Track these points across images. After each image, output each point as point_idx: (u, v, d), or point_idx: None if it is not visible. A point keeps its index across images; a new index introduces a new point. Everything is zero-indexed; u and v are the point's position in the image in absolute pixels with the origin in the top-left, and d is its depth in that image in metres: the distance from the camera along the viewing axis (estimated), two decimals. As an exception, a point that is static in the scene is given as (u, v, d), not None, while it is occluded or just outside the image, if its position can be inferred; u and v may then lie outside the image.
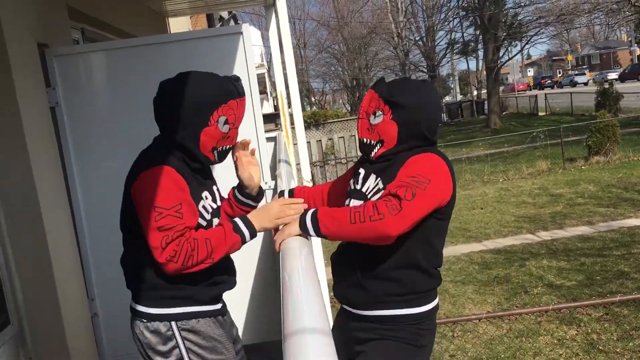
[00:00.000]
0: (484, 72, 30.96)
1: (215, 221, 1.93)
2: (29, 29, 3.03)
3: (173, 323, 1.86)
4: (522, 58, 57.03)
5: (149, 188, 1.75)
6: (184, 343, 1.86)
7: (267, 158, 3.49)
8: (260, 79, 17.82)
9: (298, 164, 4.64)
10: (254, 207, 2.11)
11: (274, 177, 3.52)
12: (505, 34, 29.33)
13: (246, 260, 3.48)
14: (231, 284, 2.01)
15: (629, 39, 56.29)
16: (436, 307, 1.98)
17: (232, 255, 1.93)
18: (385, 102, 1.90)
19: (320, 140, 19.51)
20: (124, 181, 1.90)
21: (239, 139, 2.01)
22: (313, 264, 1.56)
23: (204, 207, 1.87)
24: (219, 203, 1.97)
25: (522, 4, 30.00)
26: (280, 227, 1.84)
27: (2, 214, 2.83)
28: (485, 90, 31.13)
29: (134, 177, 1.81)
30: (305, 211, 1.80)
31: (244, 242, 1.84)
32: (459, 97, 44.17)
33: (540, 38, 32.82)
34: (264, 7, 5.69)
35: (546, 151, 15.93)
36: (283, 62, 4.55)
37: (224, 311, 2.02)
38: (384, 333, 1.91)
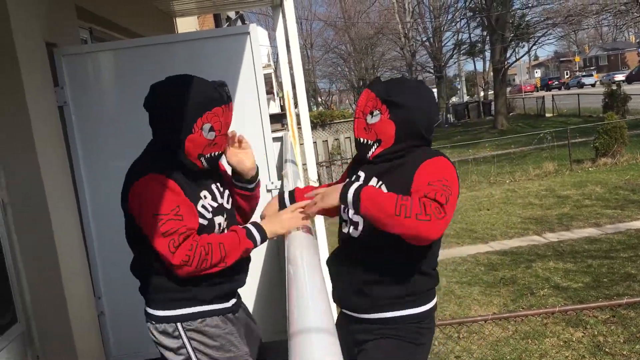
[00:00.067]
0: (491, 73, 30.87)
1: (218, 219, 1.91)
2: (37, 28, 3.05)
3: (179, 324, 1.88)
4: (529, 59, 56.85)
5: (143, 199, 1.77)
6: (190, 343, 1.88)
7: (273, 158, 3.49)
8: (267, 79, 17.84)
9: (304, 164, 4.64)
10: (251, 191, 2.11)
11: (280, 177, 3.52)
12: (512, 34, 29.21)
13: (251, 261, 3.48)
14: (239, 281, 2.00)
15: (637, 41, 55.98)
16: (435, 306, 2.00)
17: None
18: (382, 101, 1.90)
19: (326, 141, 19.51)
20: (131, 181, 1.91)
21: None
22: (318, 264, 1.56)
23: (203, 206, 1.87)
24: (220, 201, 1.95)
25: (530, 5, 29.90)
26: (318, 200, 1.85)
27: (10, 212, 2.85)
28: (492, 91, 31.03)
29: (127, 190, 1.83)
30: (350, 182, 1.78)
31: (255, 247, 1.88)
32: (466, 98, 44.06)
33: (548, 39, 32.72)
34: (271, 7, 5.70)
35: (553, 152, 15.86)
36: (290, 62, 4.56)
37: (235, 308, 2.00)
38: (385, 332, 1.93)
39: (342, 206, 2.01)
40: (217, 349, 1.90)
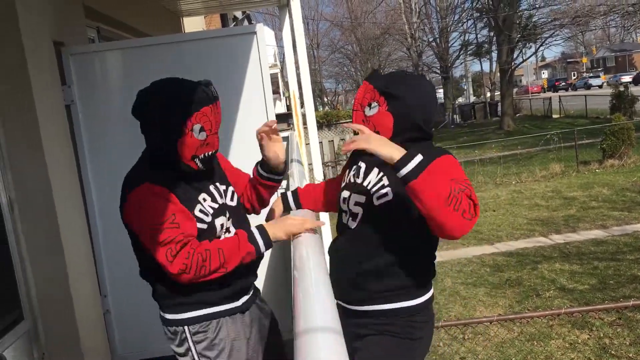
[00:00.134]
0: (498, 74, 30.78)
1: (220, 220, 1.90)
2: (45, 27, 3.06)
3: (185, 327, 1.89)
4: (536, 60, 56.67)
5: (139, 209, 1.78)
6: (195, 347, 1.89)
7: (279, 158, 3.49)
8: (273, 79, 17.86)
9: (310, 164, 4.64)
10: (278, 182, 2.12)
11: (286, 176, 3.52)
12: (519, 35, 29.10)
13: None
14: (247, 279, 1.99)
15: (645, 42, 55.65)
16: (430, 300, 1.97)
17: None
18: (380, 93, 1.88)
19: (332, 141, 19.52)
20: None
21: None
22: (324, 264, 1.56)
23: (201, 210, 1.85)
24: (221, 201, 1.94)
25: (537, 6, 29.79)
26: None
27: (17, 210, 2.87)
28: (499, 92, 30.94)
29: (123, 203, 1.83)
30: (413, 152, 1.66)
31: (258, 252, 1.84)
32: (472, 99, 43.96)
33: (555, 40, 32.59)
34: (277, 7, 5.71)
35: (560, 154, 15.79)
36: (296, 62, 4.56)
37: (245, 307, 1.99)
38: (378, 328, 1.91)
39: (343, 197, 2.01)
40: (220, 352, 1.91)
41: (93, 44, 4.03)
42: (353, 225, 1.95)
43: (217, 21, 11.28)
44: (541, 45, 32.85)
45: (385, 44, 39.46)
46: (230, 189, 2.03)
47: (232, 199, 2.01)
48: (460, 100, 47.29)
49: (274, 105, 3.52)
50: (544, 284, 7.44)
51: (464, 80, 47.77)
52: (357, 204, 1.96)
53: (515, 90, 35.98)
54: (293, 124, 5.16)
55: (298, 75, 4.57)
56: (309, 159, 4.78)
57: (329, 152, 18.72)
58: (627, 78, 40.40)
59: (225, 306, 1.93)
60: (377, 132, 1.88)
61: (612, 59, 62.07)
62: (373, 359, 1.90)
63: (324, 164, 17.20)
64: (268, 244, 1.85)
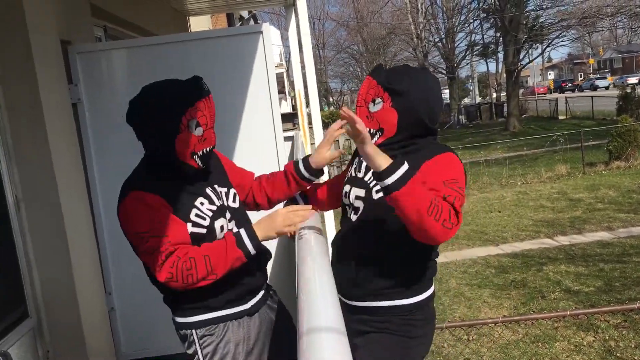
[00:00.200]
0: (504, 75, 30.69)
1: (219, 222, 1.88)
2: (52, 25, 3.07)
3: (193, 331, 1.90)
4: (542, 61, 56.42)
5: (126, 218, 1.79)
6: (201, 350, 1.90)
7: (284, 157, 3.49)
8: (279, 79, 17.87)
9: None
10: (312, 182, 2.12)
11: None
12: (526, 36, 29.01)
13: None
14: (252, 282, 1.97)
15: (653, 43, 55.36)
16: (429, 298, 1.95)
17: None
18: (384, 89, 1.86)
19: (337, 140, 19.49)
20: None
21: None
22: (328, 264, 1.56)
23: (198, 215, 1.84)
24: (219, 203, 1.92)
25: (544, 7, 29.67)
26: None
27: (23, 207, 2.88)
28: (505, 93, 30.85)
29: (117, 211, 1.85)
30: (400, 160, 1.63)
31: (248, 255, 1.80)
32: (478, 100, 43.86)
33: (562, 41, 32.30)
34: (284, 6, 5.71)
35: (566, 155, 15.73)
36: (302, 62, 4.56)
37: (254, 309, 1.98)
38: (376, 325, 1.90)
39: (345, 191, 2.00)
40: (224, 356, 1.91)
41: (99, 43, 4.04)
42: (354, 218, 1.94)
43: (224, 20, 11.30)
44: (548, 46, 32.70)
45: (391, 44, 39.43)
46: (232, 190, 2.02)
47: (234, 201, 2.00)
48: (466, 100, 47.16)
49: (279, 105, 3.52)
50: (549, 285, 7.41)
51: (470, 80, 47.62)
52: (357, 197, 1.95)
53: (521, 91, 35.88)
54: (298, 124, 5.16)
55: (304, 74, 4.57)
56: (314, 159, 4.77)
57: (334, 151, 18.69)
58: (633, 79, 40.23)
59: (231, 310, 1.92)
60: (382, 129, 1.87)
61: (619, 60, 61.79)
62: (372, 358, 1.89)
63: (329, 164, 17.18)
64: (257, 246, 1.81)
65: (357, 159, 2.01)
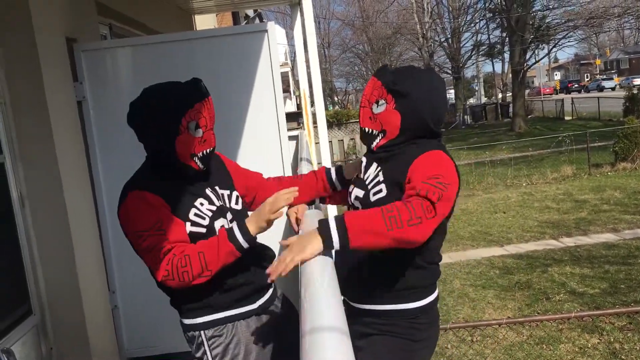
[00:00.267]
0: (510, 75, 30.60)
1: (220, 222, 1.88)
2: (57, 23, 3.08)
3: (201, 332, 1.89)
4: (549, 61, 56.25)
5: (126, 217, 1.79)
6: (210, 352, 1.89)
7: (289, 156, 3.49)
8: (284, 78, 17.87)
9: (319, 163, 4.64)
10: (338, 190, 2.13)
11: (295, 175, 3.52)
12: (532, 36, 28.92)
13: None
14: (256, 282, 1.96)
15: (660, 44, 55.10)
16: (433, 302, 1.93)
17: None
18: (388, 90, 1.84)
19: (342, 140, 19.51)
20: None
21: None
22: (331, 262, 1.55)
23: (197, 214, 1.84)
24: (218, 203, 1.91)
25: (551, 7, 29.57)
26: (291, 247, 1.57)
27: (28, 205, 2.88)
28: (511, 93, 30.76)
29: (117, 211, 1.84)
30: (323, 224, 1.55)
31: (240, 249, 1.77)
32: (484, 100, 43.77)
33: (569, 41, 32.25)
34: (289, 5, 5.70)
35: (571, 156, 15.68)
36: (307, 61, 4.56)
37: (261, 310, 1.97)
38: (381, 328, 1.89)
39: (349, 191, 1.99)
40: (234, 357, 1.90)
41: (105, 41, 4.04)
42: None
43: (229, 19, 11.31)
44: (554, 46, 32.61)
45: (396, 44, 39.38)
46: (235, 193, 2.02)
47: (236, 203, 2.00)
48: (472, 101, 47.09)
49: (284, 104, 3.52)
50: (554, 287, 7.38)
51: (476, 81, 47.54)
52: (356, 198, 1.94)
53: (527, 91, 35.77)
54: (303, 123, 5.15)
55: (309, 74, 4.57)
56: (319, 158, 4.77)
57: (338, 151, 18.71)
58: (639, 80, 40.03)
59: (238, 310, 1.91)
60: (384, 130, 1.86)
61: (626, 61, 61.51)
62: (374, 359, 1.89)
63: (334, 164, 17.21)
64: (250, 240, 1.78)
65: (365, 159, 2.01)
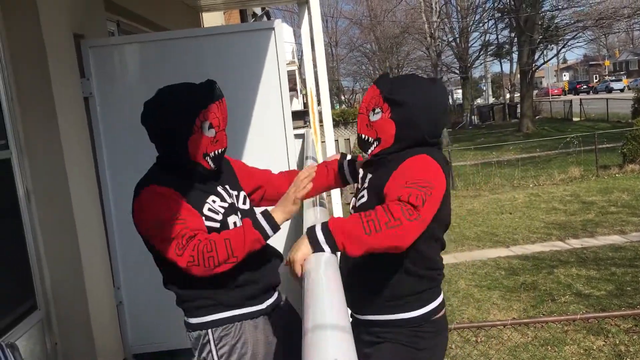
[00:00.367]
0: (518, 75, 30.47)
1: (232, 218, 1.91)
2: (65, 19, 3.09)
3: (209, 331, 1.89)
4: (557, 62, 55.95)
5: (145, 209, 1.81)
6: (216, 352, 1.89)
7: (294, 155, 3.49)
8: (291, 76, 17.87)
9: (325, 162, 4.63)
10: (347, 183, 2.17)
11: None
12: (541, 37, 28.77)
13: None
14: (267, 281, 1.97)
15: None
16: (436, 310, 1.91)
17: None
18: (384, 99, 1.84)
19: (348, 139, 19.48)
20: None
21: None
22: (335, 261, 1.55)
23: (210, 209, 1.86)
24: (229, 200, 1.94)
25: (560, 7, 29.40)
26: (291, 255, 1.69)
27: (33, 200, 2.89)
28: (519, 94, 30.63)
29: (132, 208, 1.86)
30: (312, 227, 1.64)
31: (265, 236, 1.81)
32: (491, 100, 43.61)
33: (577, 42, 31.98)
34: (297, 4, 5.69)
35: (579, 157, 15.60)
36: (314, 60, 4.55)
37: (269, 310, 1.98)
38: (385, 336, 1.89)
39: (354, 199, 2.00)
40: (242, 356, 1.90)
41: (112, 37, 4.05)
42: None
43: (237, 17, 11.31)
44: (563, 47, 32.40)
45: (404, 43, 39.27)
46: (242, 193, 2.04)
47: (244, 203, 2.02)
48: (479, 101, 46.94)
49: (290, 102, 3.52)
50: (559, 288, 7.35)
51: (483, 81, 47.38)
52: (352, 207, 1.97)
53: (535, 92, 35.62)
54: (309, 121, 5.15)
55: (315, 72, 4.56)
56: (324, 157, 4.76)
57: (344, 150, 18.69)
58: (647, 82, 39.77)
59: (247, 309, 1.92)
60: (379, 138, 1.86)
61: (635, 63, 61.11)
62: None
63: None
64: (275, 226, 1.82)
65: (361, 171, 2.01)
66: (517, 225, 10.65)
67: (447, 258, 7.78)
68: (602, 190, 12.72)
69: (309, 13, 4.33)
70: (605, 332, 5.89)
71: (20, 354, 2.24)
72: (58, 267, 2.96)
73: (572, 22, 29.29)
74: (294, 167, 3.47)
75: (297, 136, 4.69)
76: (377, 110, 1.87)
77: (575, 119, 27.66)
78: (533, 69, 28.81)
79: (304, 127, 7.02)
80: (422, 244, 1.78)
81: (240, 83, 3.37)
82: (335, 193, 4.54)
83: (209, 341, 1.89)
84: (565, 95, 46.42)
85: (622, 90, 42.88)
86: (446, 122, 1.99)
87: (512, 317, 6.24)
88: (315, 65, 4.53)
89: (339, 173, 2.15)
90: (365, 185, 1.91)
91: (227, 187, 1.98)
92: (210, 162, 1.86)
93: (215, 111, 1.85)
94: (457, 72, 35.73)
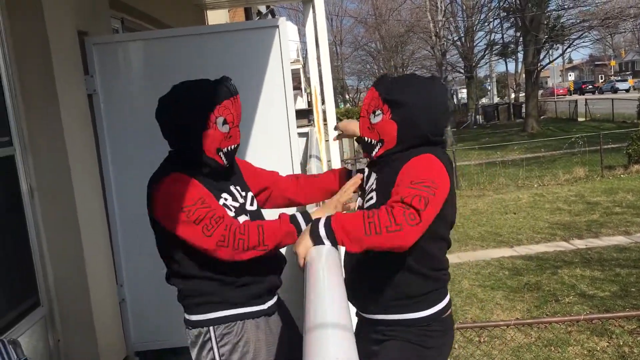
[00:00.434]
0: (523, 75, 30.39)
1: (242, 219, 1.91)
2: (69, 16, 3.09)
3: (210, 328, 1.89)
4: (563, 62, 55.80)
5: (169, 195, 1.79)
6: (218, 349, 1.88)
7: (298, 153, 3.48)
8: (295, 75, 17.86)
9: (329, 161, 4.63)
10: None
11: (304, 172, 3.51)
12: (546, 36, 28.68)
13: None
14: (272, 281, 1.98)
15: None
16: (443, 310, 1.92)
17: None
18: (384, 100, 1.85)
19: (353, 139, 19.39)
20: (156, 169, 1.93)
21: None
22: (337, 260, 1.54)
23: (225, 205, 1.88)
24: (241, 200, 1.96)
25: (566, 7, 29.30)
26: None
27: (37, 197, 2.90)
28: (524, 94, 30.54)
29: (151, 196, 1.84)
30: (317, 221, 1.67)
31: (299, 232, 1.79)
32: (496, 100, 43.50)
33: (583, 42, 31.86)
34: (302, 2, 5.69)
35: (584, 158, 15.55)
36: (318, 58, 4.54)
37: (270, 311, 1.98)
38: (393, 334, 1.89)
39: (359, 196, 2.01)
40: (243, 356, 1.89)
41: (116, 34, 4.05)
42: None
43: (241, 15, 11.31)
44: (569, 46, 32.34)
45: (409, 42, 39.22)
46: (250, 194, 2.04)
47: (251, 204, 2.03)
48: (484, 100, 46.81)
49: (294, 101, 3.51)
50: (563, 289, 7.33)
51: (488, 80, 47.27)
52: (359, 207, 1.97)
53: (540, 92, 35.50)
54: (313, 120, 5.15)
55: (319, 71, 4.56)
56: (328, 156, 4.76)
57: (348, 149, 18.68)
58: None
59: (251, 308, 1.92)
60: (382, 140, 1.87)
61: (641, 63, 60.87)
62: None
63: (343, 161, 17.17)
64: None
65: (367, 170, 2.02)
66: (521, 226, 10.63)
67: (451, 258, 7.77)
68: (607, 190, 12.68)
69: (314, 11, 4.33)
70: (609, 333, 5.87)
71: (23, 350, 2.24)
72: (61, 263, 2.96)
73: (578, 21, 29.20)
74: (297, 165, 3.47)
75: (301, 135, 4.68)
76: (378, 112, 1.87)
77: (580, 119, 27.59)
78: (538, 68, 28.74)
79: (308, 125, 7.01)
80: (426, 242, 1.78)
81: (244, 81, 3.35)
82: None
83: (210, 339, 1.88)
84: (570, 95, 46.30)
85: (627, 91, 42.72)
86: (447, 120, 2.01)
87: (515, 318, 6.22)
88: (319, 64, 4.53)
89: (347, 180, 2.15)
90: (373, 186, 1.90)
91: (238, 187, 1.99)
92: (223, 158, 1.87)
93: (230, 107, 1.88)
94: (462, 71, 35.67)
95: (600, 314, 5.92)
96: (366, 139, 1.92)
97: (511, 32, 33.94)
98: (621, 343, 5.68)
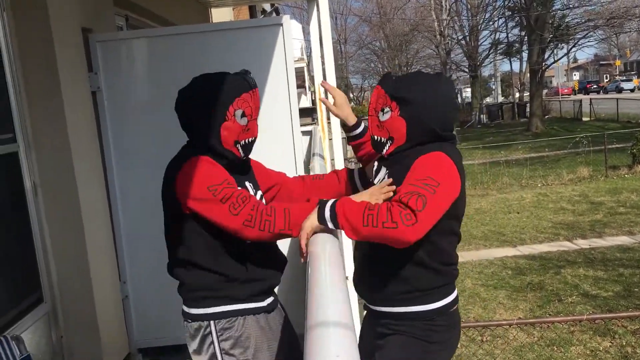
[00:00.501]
0: (528, 74, 30.31)
1: None
2: (73, 13, 3.09)
3: (211, 322, 1.88)
4: (567, 61, 55.59)
5: (194, 175, 1.78)
6: (219, 343, 1.88)
7: (301, 151, 3.48)
8: (299, 73, 17.85)
9: (332, 159, 4.62)
10: (362, 136, 2.27)
11: (307, 170, 3.51)
12: (551, 35, 28.60)
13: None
14: (273, 279, 1.99)
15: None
16: (451, 304, 1.93)
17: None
18: (391, 98, 1.86)
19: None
20: (160, 166, 1.93)
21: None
22: (339, 259, 1.54)
23: None
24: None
25: (571, 6, 29.20)
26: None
27: (40, 194, 2.91)
28: (528, 93, 30.47)
29: (173, 179, 1.82)
30: (324, 202, 1.71)
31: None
32: (500, 99, 43.42)
33: (588, 41, 31.82)
34: (306, 0, 5.68)
35: (588, 157, 15.51)
36: (322, 57, 4.53)
37: (270, 308, 1.98)
38: (398, 328, 1.90)
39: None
40: (245, 350, 1.89)
41: (120, 32, 4.06)
42: None
43: (245, 14, 11.31)
44: (574, 46, 32.25)
45: (413, 41, 39.18)
46: (260, 193, 2.05)
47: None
48: (488, 100, 46.74)
49: (298, 99, 3.51)
50: (566, 289, 7.32)
51: (493, 79, 47.18)
52: None
53: (545, 91, 35.41)
54: (317, 119, 5.14)
55: (323, 69, 4.55)
56: (332, 154, 4.76)
57: (351, 147, 18.63)
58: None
59: (251, 304, 1.92)
60: (392, 137, 1.88)
61: (646, 63, 60.61)
62: (389, 356, 1.89)
63: (347, 160, 17.14)
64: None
65: (376, 164, 2.01)
66: (524, 225, 10.61)
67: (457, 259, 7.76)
68: (611, 190, 12.65)
69: (318, 10, 4.32)
70: (612, 333, 5.86)
71: (26, 346, 2.25)
72: (64, 260, 2.97)
73: (583, 21, 29.10)
74: (300, 163, 3.47)
75: (304, 133, 4.68)
76: (386, 109, 1.88)
77: (584, 119, 27.50)
78: (543, 68, 28.65)
79: (311, 124, 7.01)
80: (437, 236, 1.80)
81: (247, 79, 3.36)
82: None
83: (210, 333, 1.88)
84: (575, 94, 46.13)
85: (632, 91, 42.57)
86: (456, 115, 2.01)
87: (518, 317, 6.22)
88: (323, 63, 4.52)
89: (350, 181, 2.19)
90: (384, 181, 1.89)
91: (251, 184, 2.00)
92: (240, 151, 1.89)
93: (249, 100, 1.89)
94: (467, 70, 35.60)
95: (603, 314, 5.90)
96: (376, 137, 1.92)
97: (516, 31, 33.89)
98: (624, 343, 5.67)
